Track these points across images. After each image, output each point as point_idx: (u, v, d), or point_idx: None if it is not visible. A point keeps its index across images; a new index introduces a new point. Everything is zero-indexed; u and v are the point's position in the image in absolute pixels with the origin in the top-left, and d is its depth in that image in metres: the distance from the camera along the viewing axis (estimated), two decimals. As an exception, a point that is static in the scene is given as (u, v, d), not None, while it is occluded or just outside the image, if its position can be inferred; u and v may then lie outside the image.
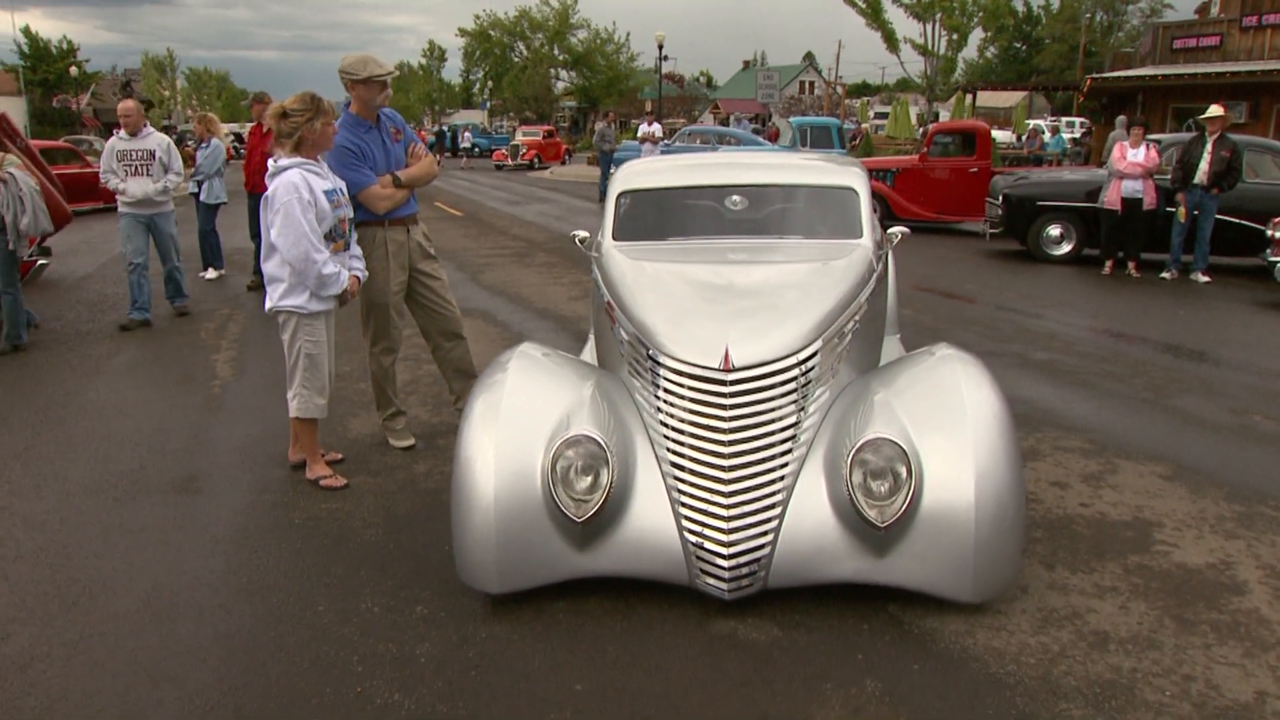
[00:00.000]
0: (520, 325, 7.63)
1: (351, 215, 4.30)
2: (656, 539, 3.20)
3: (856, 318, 3.80)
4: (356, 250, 4.40)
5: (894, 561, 3.11)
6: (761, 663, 2.89)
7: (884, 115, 33.50)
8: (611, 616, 3.19)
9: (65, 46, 46.24)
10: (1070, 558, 3.52)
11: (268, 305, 4.22)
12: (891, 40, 21.77)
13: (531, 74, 53.80)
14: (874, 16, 21.42)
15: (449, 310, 4.91)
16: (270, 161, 4.11)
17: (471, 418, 3.39)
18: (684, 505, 3.17)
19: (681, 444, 3.22)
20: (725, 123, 37.07)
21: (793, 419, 3.27)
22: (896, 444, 3.07)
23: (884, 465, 3.09)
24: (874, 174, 14.85)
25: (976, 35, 21.72)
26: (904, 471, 3.05)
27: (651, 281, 3.90)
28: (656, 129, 20.04)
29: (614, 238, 4.56)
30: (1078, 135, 24.81)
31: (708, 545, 3.11)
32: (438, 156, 43.75)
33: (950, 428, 3.17)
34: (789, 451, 3.22)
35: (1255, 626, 3.03)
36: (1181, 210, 9.65)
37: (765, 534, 3.13)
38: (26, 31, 44.38)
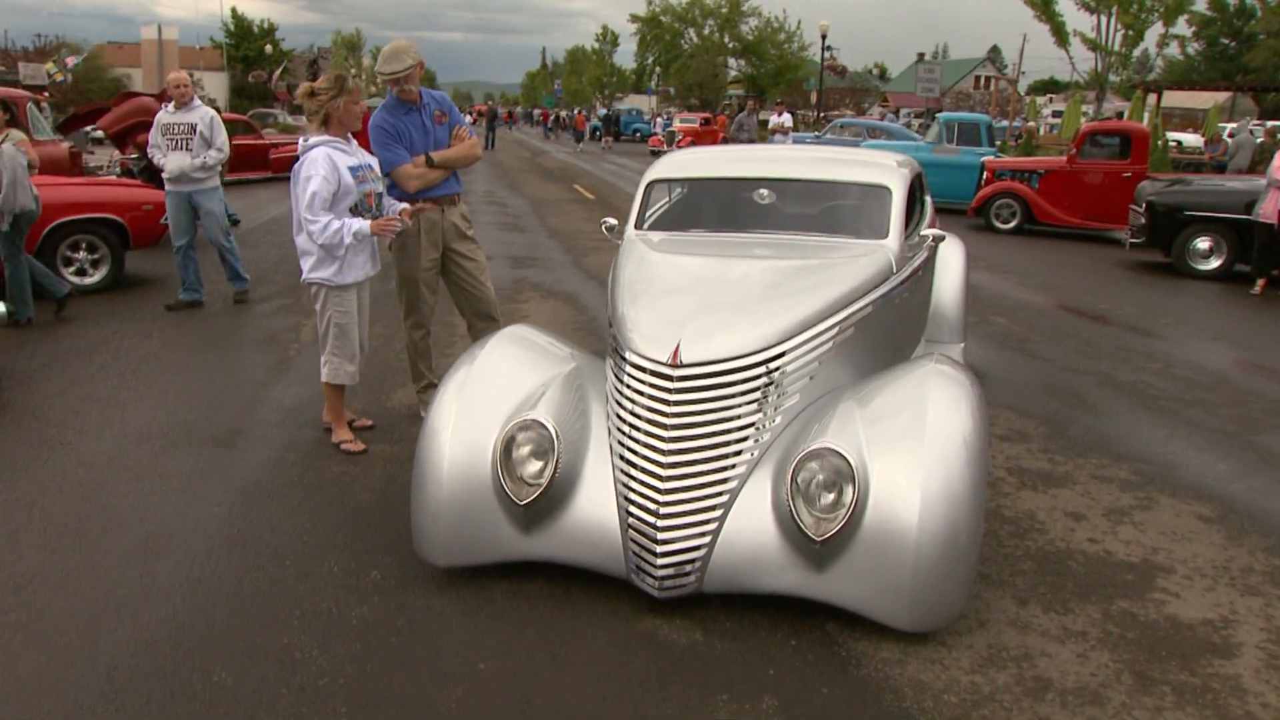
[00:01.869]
0: (600, 312, 7.71)
1: (381, 190, 4.49)
2: (599, 530, 3.19)
3: (853, 321, 3.64)
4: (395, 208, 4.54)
5: (832, 578, 2.98)
6: (668, 665, 2.85)
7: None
8: (546, 602, 3.21)
9: (265, 26, 50.42)
10: (1049, 595, 3.25)
11: (301, 277, 4.48)
12: (1061, 34, 20.34)
13: (700, 61, 53.84)
14: (1043, 9, 20.07)
15: (482, 291, 5.04)
16: (300, 140, 4.34)
17: (443, 392, 3.49)
18: (627, 499, 3.14)
19: (630, 437, 3.20)
20: (921, 115, 35.84)
21: (749, 420, 3.17)
22: (843, 457, 2.94)
23: (827, 478, 2.97)
24: (1018, 175, 14.07)
25: (1156, 30, 19.97)
26: (847, 486, 2.91)
27: (646, 272, 3.88)
28: (786, 119, 19.81)
29: (636, 227, 4.55)
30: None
31: (643, 541, 3.08)
32: (606, 140, 44.76)
33: (907, 447, 3.00)
34: (739, 454, 3.14)
35: (1227, 696, 2.71)
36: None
37: (703, 535, 3.06)
38: (234, 12, 48.74)
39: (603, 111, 53.42)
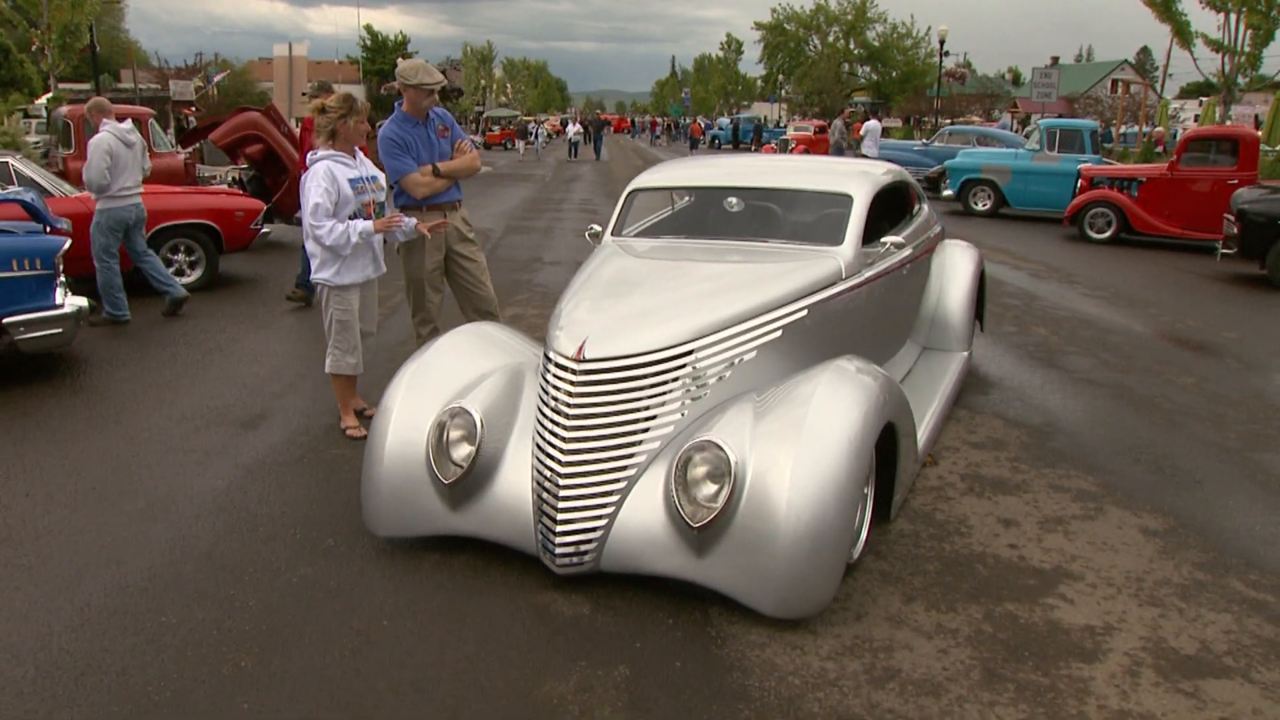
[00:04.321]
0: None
1: (382, 200, 4.93)
2: (515, 510, 3.49)
3: (782, 325, 3.81)
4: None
5: (710, 564, 3.17)
6: (547, 634, 3.11)
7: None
8: (466, 573, 3.53)
9: (399, 39, 53.28)
10: (939, 595, 3.33)
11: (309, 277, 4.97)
12: (1183, 35, 19.19)
13: (822, 68, 53.31)
14: (1163, 10, 18.98)
15: (483, 290, 5.43)
16: (309, 157, 4.82)
17: (397, 380, 3.87)
18: (538, 483, 3.42)
19: (541, 425, 3.48)
20: (1025, 122, 34.56)
21: (652, 413, 3.40)
22: (720, 449, 3.13)
23: (709, 469, 3.17)
24: (1116, 183, 13.50)
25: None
26: (724, 478, 3.10)
27: (593, 274, 4.16)
28: (872, 125, 19.92)
29: (613, 233, 4.83)
30: None
31: (547, 522, 3.36)
32: (734, 149, 45.02)
33: (785, 442, 3.16)
34: (639, 444, 3.37)
35: (1068, 696, 2.75)
36: None
37: (600, 519, 3.31)
38: (369, 28, 51.86)
39: (724, 120, 53.60)
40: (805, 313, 3.93)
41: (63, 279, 6.39)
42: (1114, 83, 32.38)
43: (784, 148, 36.61)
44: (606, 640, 3.07)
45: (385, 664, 2.95)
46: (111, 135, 7.23)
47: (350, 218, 4.76)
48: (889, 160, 23.18)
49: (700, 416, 3.47)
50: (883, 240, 4.54)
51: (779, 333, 3.80)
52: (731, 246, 4.49)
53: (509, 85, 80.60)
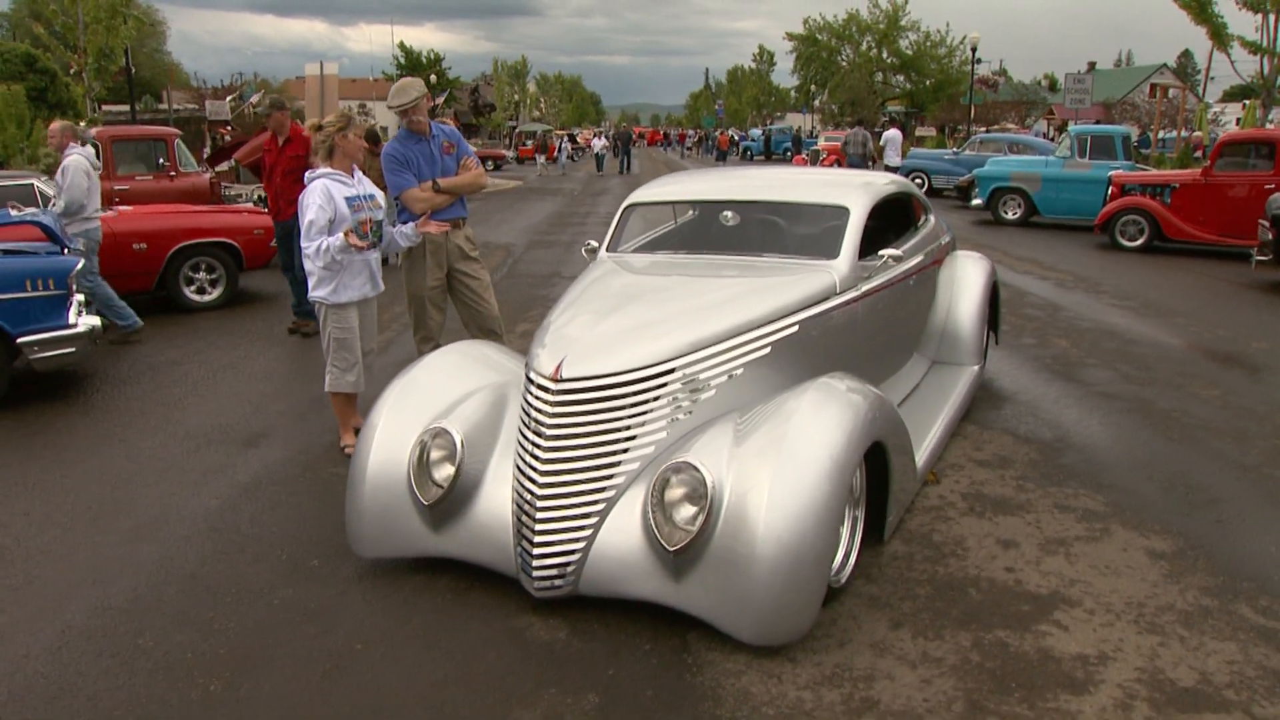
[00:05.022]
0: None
1: (379, 218, 4.92)
2: (496, 532, 3.44)
3: (771, 341, 3.72)
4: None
5: (688, 588, 3.09)
6: (520, 659, 3.05)
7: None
8: (446, 595, 3.48)
9: (432, 56, 53.90)
10: (929, 621, 3.21)
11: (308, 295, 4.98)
12: (1220, 37, 18.72)
13: (855, 78, 52.97)
14: (1199, 12, 18.54)
15: (485, 308, 5.40)
16: (307, 175, 4.83)
17: (382, 399, 3.85)
18: (518, 505, 3.37)
19: (522, 445, 3.42)
20: (1062, 129, 34.03)
21: (631, 433, 3.33)
22: (698, 470, 3.06)
23: (686, 490, 3.09)
24: (1148, 190, 13.21)
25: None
26: (701, 498, 3.03)
27: (580, 292, 4.10)
28: (893, 134, 19.86)
29: (608, 249, 4.78)
30: None
31: (525, 544, 3.30)
32: (766, 161, 44.94)
33: (765, 463, 3.07)
34: (618, 465, 3.30)
35: (1055, 729, 2.63)
36: None
37: (578, 541, 3.24)
38: (402, 45, 52.58)
39: (755, 131, 53.49)
40: (796, 328, 3.84)
41: (81, 297, 6.50)
42: (1152, 87, 31.66)
43: (815, 159, 36.49)
44: (579, 666, 3.00)
45: (353, 690, 2.91)
46: (82, 157, 7.38)
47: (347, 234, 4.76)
48: (919, 170, 23.05)
49: (683, 436, 3.39)
50: (880, 253, 4.43)
51: (768, 349, 3.72)
52: (727, 261, 4.41)
53: (542, 100, 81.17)
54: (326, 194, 4.67)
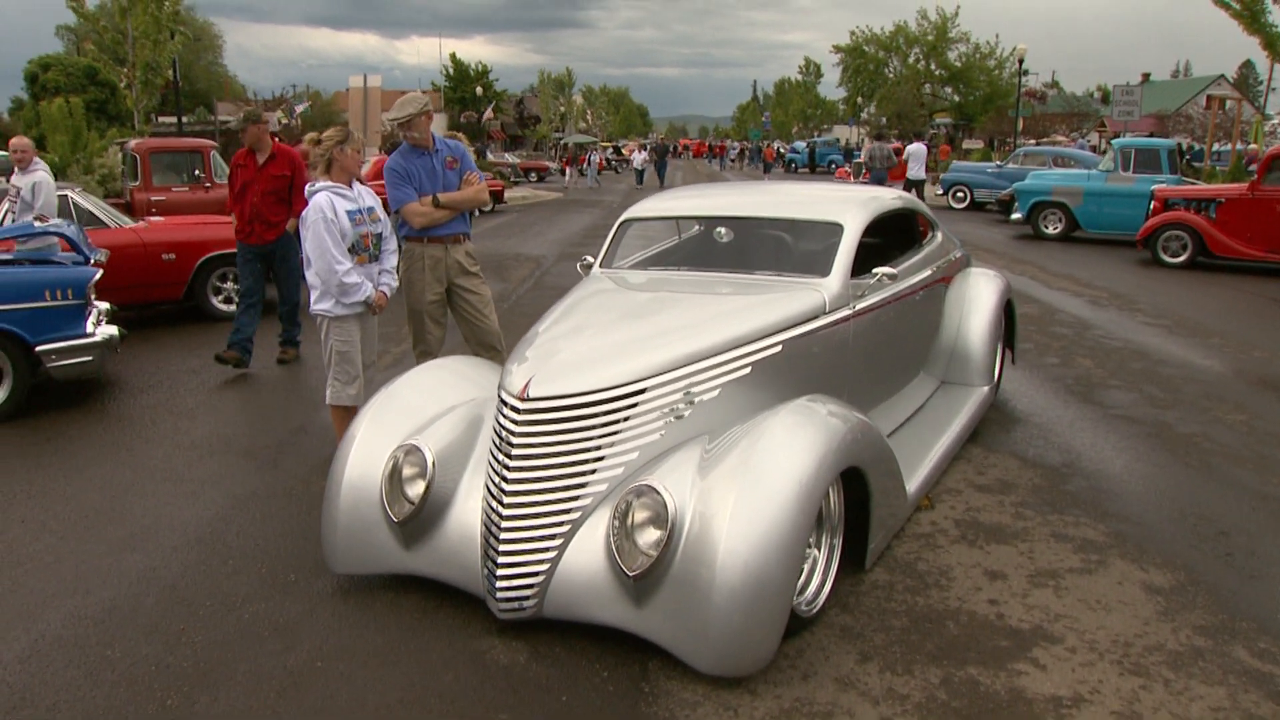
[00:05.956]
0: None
1: (379, 232, 4.94)
2: (464, 551, 3.41)
3: (751, 360, 3.65)
4: (388, 265, 5.02)
5: (649, 614, 3.03)
6: (475, 682, 3.01)
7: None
8: (413, 614, 3.46)
9: (480, 69, 54.51)
10: (899, 655, 3.10)
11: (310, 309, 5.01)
12: (1273, 47, 18.10)
13: (903, 90, 52.44)
14: (1251, 21, 17.96)
15: (485, 324, 5.39)
16: (307, 189, 4.86)
17: (361, 415, 3.85)
18: (486, 525, 3.33)
19: (491, 466, 3.39)
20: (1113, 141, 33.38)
21: (599, 454, 3.27)
22: (659, 494, 2.99)
23: (648, 514, 3.03)
24: (1192, 204, 12.84)
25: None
26: (663, 523, 2.96)
27: (562, 310, 4.06)
28: (916, 147, 19.64)
29: (602, 265, 4.74)
30: None
31: (490, 565, 3.26)
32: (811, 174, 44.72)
33: (729, 488, 3.00)
34: (584, 486, 3.24)
35: (1015, 775, 2.51)
36: None
37: (542, 563, 3.20)
38: (453, 57, 53.18)
39: (799, 144, 53.22)
40: (779, 348, 3.76)
41: (105, 305, 6.65)
42: (1208, 99, 30.81)
43: (858, 172, 36.17)
44: (534, 692, 2.95)
45: (306, 709, 2.89)
46: (46, 174, 7.62)
47: (349, 248, 4.77)
48: (961, 183, 22.68)
49: (654, 459, 3.33)
50: (874, 271, 4.33)
51: (748, 369, 3.64)
52: (719, 279, 4.35)
53: (589, 112, 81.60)
54: (331, 207, 4.70)
